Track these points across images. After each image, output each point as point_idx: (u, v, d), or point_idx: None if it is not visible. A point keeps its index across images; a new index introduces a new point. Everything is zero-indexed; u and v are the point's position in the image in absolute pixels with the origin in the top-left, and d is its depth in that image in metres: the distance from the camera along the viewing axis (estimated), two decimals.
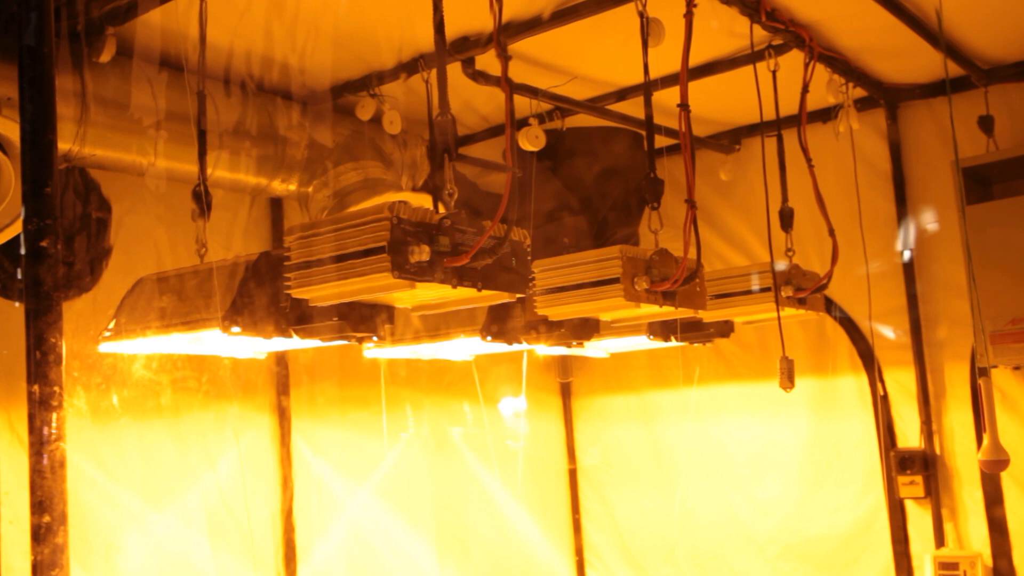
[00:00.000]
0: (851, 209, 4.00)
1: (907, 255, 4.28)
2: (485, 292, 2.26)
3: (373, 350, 3.29)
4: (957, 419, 4.17)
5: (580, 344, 3.46)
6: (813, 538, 4.54)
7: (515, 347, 3.34)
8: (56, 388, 1.60)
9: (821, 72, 3.67)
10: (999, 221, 3.74)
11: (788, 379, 3.06)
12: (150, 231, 3.55)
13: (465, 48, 3.34)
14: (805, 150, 3.29)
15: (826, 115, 4.12)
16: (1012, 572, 4.01)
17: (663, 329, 3.32)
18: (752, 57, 3.37)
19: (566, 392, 5.41)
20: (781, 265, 3.19)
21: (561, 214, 4.30)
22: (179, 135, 3.20)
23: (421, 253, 2.10)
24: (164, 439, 3.59)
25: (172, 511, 3.60)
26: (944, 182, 4.01)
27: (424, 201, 2.32)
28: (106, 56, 2.96)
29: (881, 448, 4.33)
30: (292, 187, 3.67)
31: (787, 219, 3.31)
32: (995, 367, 3.77)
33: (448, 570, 4.61)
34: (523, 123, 3.90)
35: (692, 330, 3.50)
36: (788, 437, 4.64)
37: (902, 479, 4.19)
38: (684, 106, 2.72)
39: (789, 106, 3.36)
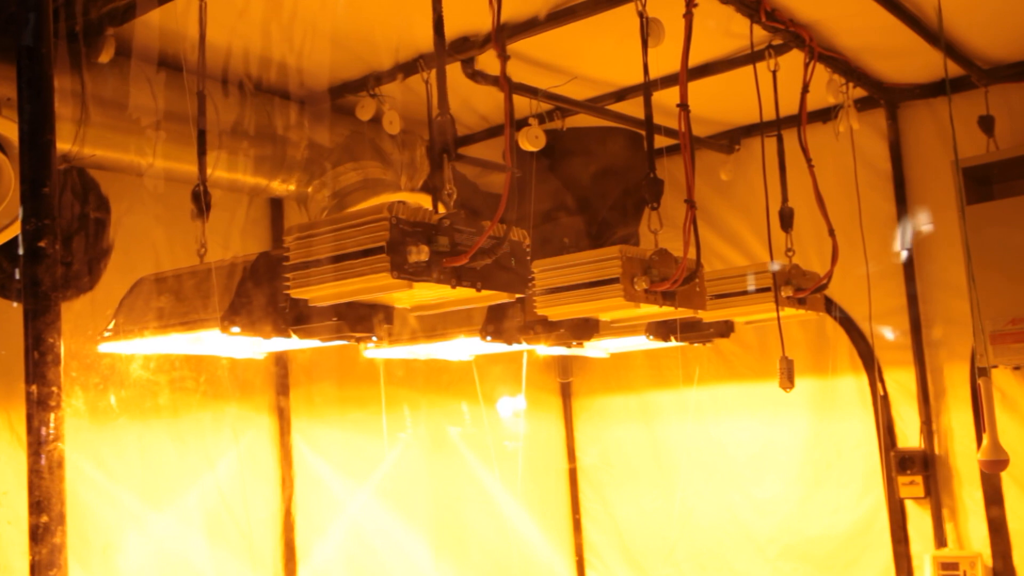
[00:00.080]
0: (851, 209, 4.00)
1: (907, 255, 4.28)
2: (484, 292, 2.26)
3: (373, 350, 3.29)
4: (957, 419, 4.17)
5: (580, 344, 3.45)
6: (813, 538, 4.53)
7: (515, 347, 3.33)
8: (54, 388, 1.59)
9: (821, 72, 3.67)
10: (999, 221, 3.74)
11: (788, 379, 3.06)
12: (149, 231, 3.54)
13: (465, 48, 3.34)
14: (805, 150, 3.28)
15: (826, 115, 4.12)
16: (1012, 572, 4.01)
17: (663, 329, 3.32)
18: (752, 57, 3.37)
19: (566, 392, 5.41)
20: (776, 266, 3.18)
21: (560, 214, 4.30)
22: (178, 135, 3.20)
23: (420, 253, 2.09)
24: (163, 439, 3.59)
25: (171, 511, 3.59)
26: (944, 182, 4.00)
27: (423, 201, 2.32)
28: (106, 56, 2.96)
29: (881, 448, 4.33)
30: (292, 187, 3.67)
31: (787, 219, 3.30)
32: (995, 367, 3.77)
33: (448, 570, 4.61)
34: (523, 123, 3.90)
35: (692, 330, 3.50)
36: (788, 437, 4.64)
37: (902, 479, 4.19)
38: (684, 106, 2.72)
39: (789, 106, 3.35)
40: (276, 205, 4.12)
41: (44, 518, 1.56)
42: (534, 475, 5.14)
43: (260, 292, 2.45)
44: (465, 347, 3.36)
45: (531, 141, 3.87)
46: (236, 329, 2.41)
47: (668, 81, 2.86)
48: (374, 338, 2.66)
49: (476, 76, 3.43)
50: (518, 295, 2.38)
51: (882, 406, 4.35)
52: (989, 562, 4.04)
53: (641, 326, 3.27)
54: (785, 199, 3.32)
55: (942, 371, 4.21)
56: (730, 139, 4.62)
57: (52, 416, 1.58)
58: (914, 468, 4.16)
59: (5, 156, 2.79)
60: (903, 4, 3.25)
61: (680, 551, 4.96)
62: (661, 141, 2.88)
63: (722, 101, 4.13)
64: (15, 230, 2.80)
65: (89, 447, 3.34)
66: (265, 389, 4.00)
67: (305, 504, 4.04)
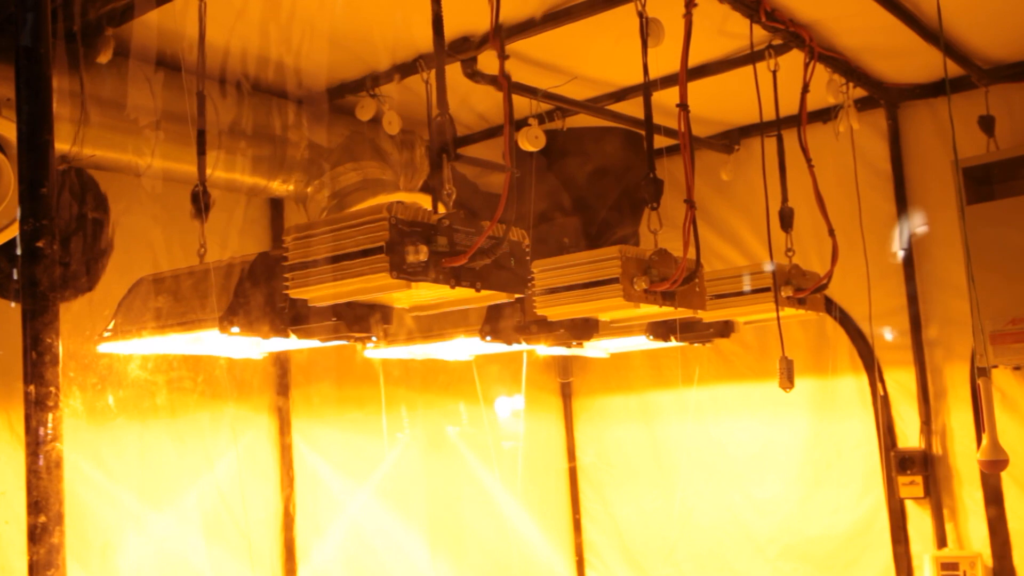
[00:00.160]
0: (851, 209, 4.00)
1: (907, 255, 4.28)
2: (483, 292, 2.26)
3: (373, 350, 3.29)
4: (957, 419, 4.17)
5: (580, 344, 3.45)
6: (813, 538, 4.53)
7: (514, 347, 3.33)
8: (52, 388, 1.59)
9: (821, 72, 3.67)
10: (999, 221, 3.74)
11: (788, 379, 3.06)
12: (148, 231, 3.54)
13: (464, 48, 3.33)
14: (805, 150, 3.28)
15: (826, 115, 4.12)
16: (1012, 572, 4.00)
17: (663, 329, 3.32)
18: (752, 57, 3.37)
19: (566, 392, 5.41)
20: (771, 266, 3.18)
21: (560, 214, 4.30)
22: (177, 135, 3.19)
23: (419, 253, 2.09)
24: (162, 439, 3.59)
25: (170, 511, 3.59)
26: (944, 182, 4.00)
27: (423, 201, 2.32)
28: (104, 57, 2.96)
29: (881, 448, 4.33)
30: (291, 187, 3.67)
31: (787, 219, 3.30)
32: (995, 367, 3.77)
33: (448, 570, 4.61)
34: (523, 123, 3.90)
35: (691, 330, 3.50)
36: (788, 437, 4.64)
37: (902, 479, 4.18)
38: (684, 106, 2.72)
39: (789, 106, 3.35)
40: (275, 205, 4.11)
41: (42, 518, 1.56)
42: (534, 475, 5.14)
43: (259, 292, 2.45)
44: (464, 347, 3.36)
45: (531, 141, 3.87)
46: (235, 329, 2.41)
47: (668, 81, 2.86)
48: (373, 338, 2.66)
49: (475, 76, 3.43)
50: (517, 295, 2.38)
51: (882, 406, 4.34)
52: (989, 562, 4.04)
53: (641, 326, 3.26)
54: (785, 199, 3.32)
55: (942, 371, 4.21)
56: (730, 139, 4.62)
57: (50, 416, 1.58)
58: (914, 468, 4.16)
59: (4, 156, 2.79)
60: (903, 4, 3.25)
61: (680, 551, 4.96)
62: (661, 141, 2.88)
63: (722, 101, 4.13)
64: (14, 230, 2.80)
65: (88, 447, 3.33)
66: (264, 389, 4.00)
67: (304, 504, 4.03)
